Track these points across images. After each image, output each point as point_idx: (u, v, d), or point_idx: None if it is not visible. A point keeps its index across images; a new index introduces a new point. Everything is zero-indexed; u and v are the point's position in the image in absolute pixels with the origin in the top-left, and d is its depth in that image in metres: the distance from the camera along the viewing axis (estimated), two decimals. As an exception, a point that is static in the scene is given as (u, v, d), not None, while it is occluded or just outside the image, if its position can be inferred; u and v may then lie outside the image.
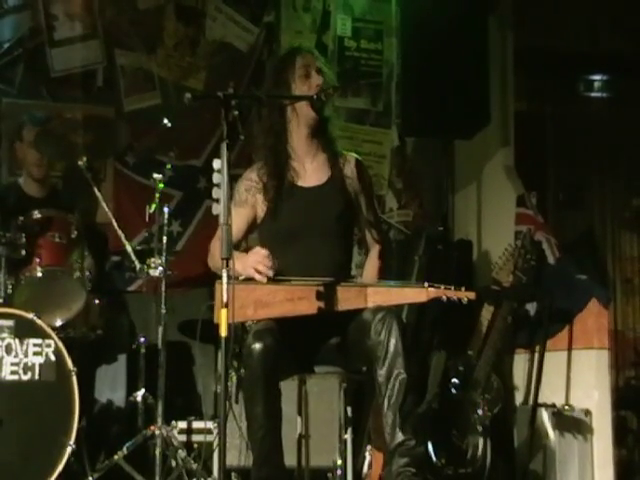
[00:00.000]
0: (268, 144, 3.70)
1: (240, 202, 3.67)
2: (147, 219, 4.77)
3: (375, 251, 3.77)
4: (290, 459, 3.59)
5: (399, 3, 5.86)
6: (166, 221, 4.69)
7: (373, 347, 3.31)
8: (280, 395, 3.34)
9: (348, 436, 4.01)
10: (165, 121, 4.75)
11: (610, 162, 6.61)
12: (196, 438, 4.74)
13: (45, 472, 4.11)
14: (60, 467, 4.14)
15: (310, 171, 3.67)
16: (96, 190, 4.77)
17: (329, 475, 4.25)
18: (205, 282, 4.94)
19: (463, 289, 3.33)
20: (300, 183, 3.65)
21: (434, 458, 4.46)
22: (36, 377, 4.23)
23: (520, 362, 5.14)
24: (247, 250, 3.55)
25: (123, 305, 5.56)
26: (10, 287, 4.52)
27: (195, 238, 5.70)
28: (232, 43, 6.01)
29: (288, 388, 3.56)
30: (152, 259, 4.65)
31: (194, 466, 4.42)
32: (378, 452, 4.00)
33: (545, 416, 4.65)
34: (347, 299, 3.37)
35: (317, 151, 3.69)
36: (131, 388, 5.09)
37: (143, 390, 4.71)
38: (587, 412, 4.63)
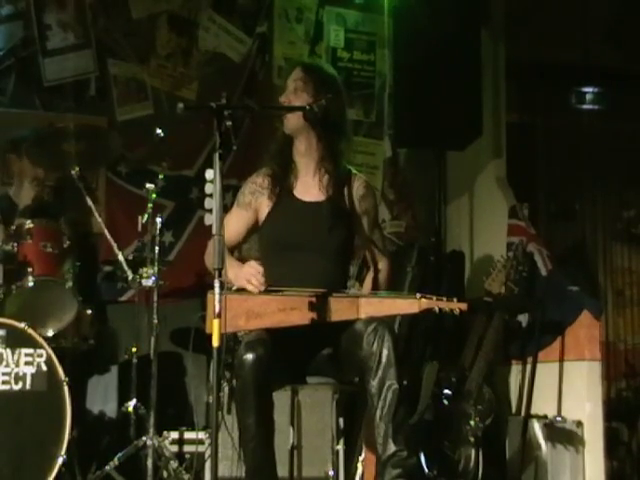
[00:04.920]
0: (272, 152, 3.72)
1: (244, 204, 3.69)
2: (139, 229, 4.76)
3: (375, 271, 3.77)
4: (282, 470, 3.59)
5: (392, 14, 5.87)
6: (158, 231, 4.69)
7: (365, 358, 3.31)
8: (272, 406, 3.34)
9: (340, 447, 4.01)
10: (158, 131, 4.75)
11: (602, 174, 6.63)
12: (188, 449, 4.74)
13: (36, 483, 4.11)
14: (51, 478, 4.12)
15: (312, 186, 3.67)
16: (88, 200, 4.76)
17: (321, 486, 4.25)
18: (197, 292, 4.96)
19: (455, 300, 3.33)
20: (300, 196, 3.66)
21: (426, 469, 4.45)
22: (27, 387, 4.22)
23: (512, 373, 5.15)
24: (241, 261, 3.56)
25: (115, 315, 5.55)
26: (1, 297, 4.52)
27: (187, 248, 5.69)
28: (225, 53, 6.01)
29: (280, 399, 3.56)
30: (144, 269, 4.65)
31: (186, 477, 4.41)
32: (371, 462, 3.99)
33: (537, 427, 4.65)
34: (339, 310, 3.37)
35: (321, 167, 3.68)
36: (123, 399, 5.08)
37: (135, 400, 4.70)
38: (579, 423, 4.63)
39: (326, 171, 3.68)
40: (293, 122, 3.63)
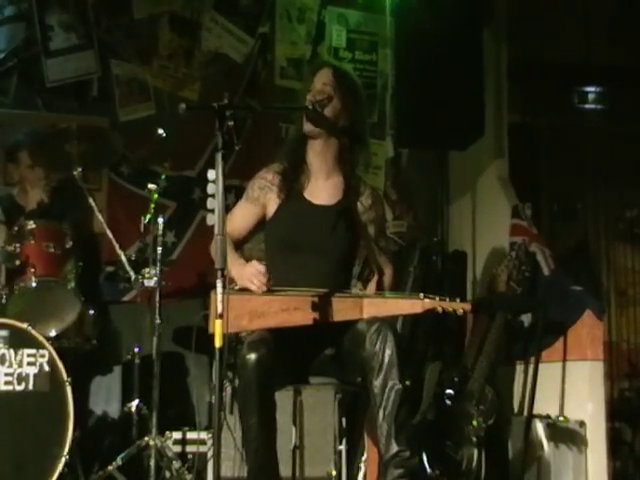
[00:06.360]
0: (285, 150, 3.72)
1: (252, 199, 3.69)
2: (142, 229, 4.76)
3: (379, 276, 3.77)
4: (285, 470, 3.60)
5: (394, 14, 5.87)
6: (160, 231, 4.69)
7: (368, 358, 3.31)
8: (275, 406, 3.34)
9: (343, 447, 4.01)
10: (160, 131, 4.75)
11: (604, 173, 6.63)
12: (190, 449, 4.73)
13: (39, 483, 4.11)
14: (54, 478, 4.12)
15: (322, 189, 3.66)
16: (91, 200, 4.77)
17: (324, 486, 4.25)
18: (199, 292, 4.96)
19: (458, 300, 3.33)
20: (310, 198, 3.65)
21: (429, 469, 4.45)
22: (30, 387, 4.22)
23: (514, 373, 5.14)
24: (245, 259, 3.56)
25: (117, 316, 5.55)
26: (4, 297, 4.52)
27: (189, 249, 5.70)
28: (227, 54, 6.01)
29: (283, 399, 3.56)
30: (147, 269, 4.65)
31: (188, 477, 4.41)
32: (374, 462, 3.99)
33: (539, 427, 4.65)
34: (342, 310, 3.37)
35: (333, 170, 3.68)
36: (125, 399, 5.08)
37: (137, 401, 4.70)
38: (581, 423, 4.63)
39: (339, 176, 3.68)
40: (309, 124, 3.62)
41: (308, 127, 3.61)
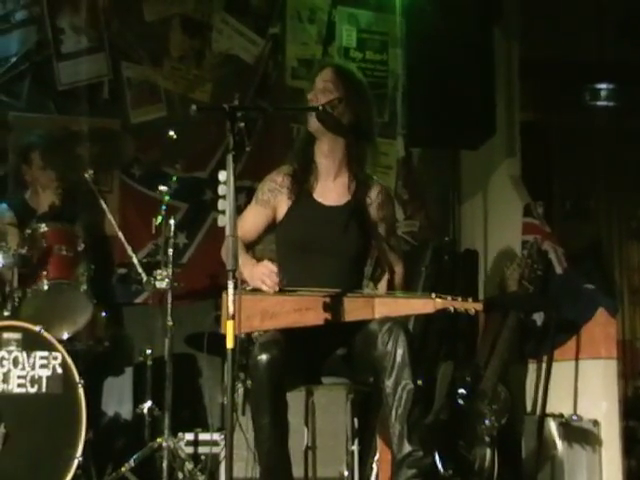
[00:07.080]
0: (295, 149, 3.73)
1: (262, 201, 3.69)
2: (153, 231, 4.78)
3: (390, 274, 3.77)
4: (297, 470, 3.58)
5: (404, 14, 5.87)
6: (172, 233, 4.70)
7: (380, 358, 3.30)
8: (287, 406, 3.34)
9: (355, 447, 4.01)
10: (171, 133, 4.76)
11: (616, 171, 6.60)
12: (203, 450, 4.74)
13: (52, 485, 4.12)
14: (67, 480, 4.14)
15: (331, 189, 3.66)
16: (102, 202, 4.78)
17: (336, 486, 4.25)
18: (211, 294, 4.97)
19: (470, 300, 3.32)
20: (320, 199, 3.65)
21: (441, 469, 4.44)
22: (43, 390, 4.24)
23: (527, 372, 5.13)
24: (257, 260, 3.56)
25: (129, 317, 5.56)
26: (17, 300, 4.53)
27: (201, 250, 5.70)
28: (238, 55, 6.02)
29: (295, 399, 3.55)
30: (158, 271, 4.66)
31: (201, 478, 4.42)
32: (386, 462, 3.99)
33: (553, 426, 4.63)
34: (354, 310, 3.36)
35: (340, 170, 3.68)
36: (138, 400, 5.09)
37: (150, 402, 4.72)
38: (595, 422, 4.61)
39: (347, 175, 3.67)
40: (316, 122, 3.62)
41: (314, 124, 3.60)
